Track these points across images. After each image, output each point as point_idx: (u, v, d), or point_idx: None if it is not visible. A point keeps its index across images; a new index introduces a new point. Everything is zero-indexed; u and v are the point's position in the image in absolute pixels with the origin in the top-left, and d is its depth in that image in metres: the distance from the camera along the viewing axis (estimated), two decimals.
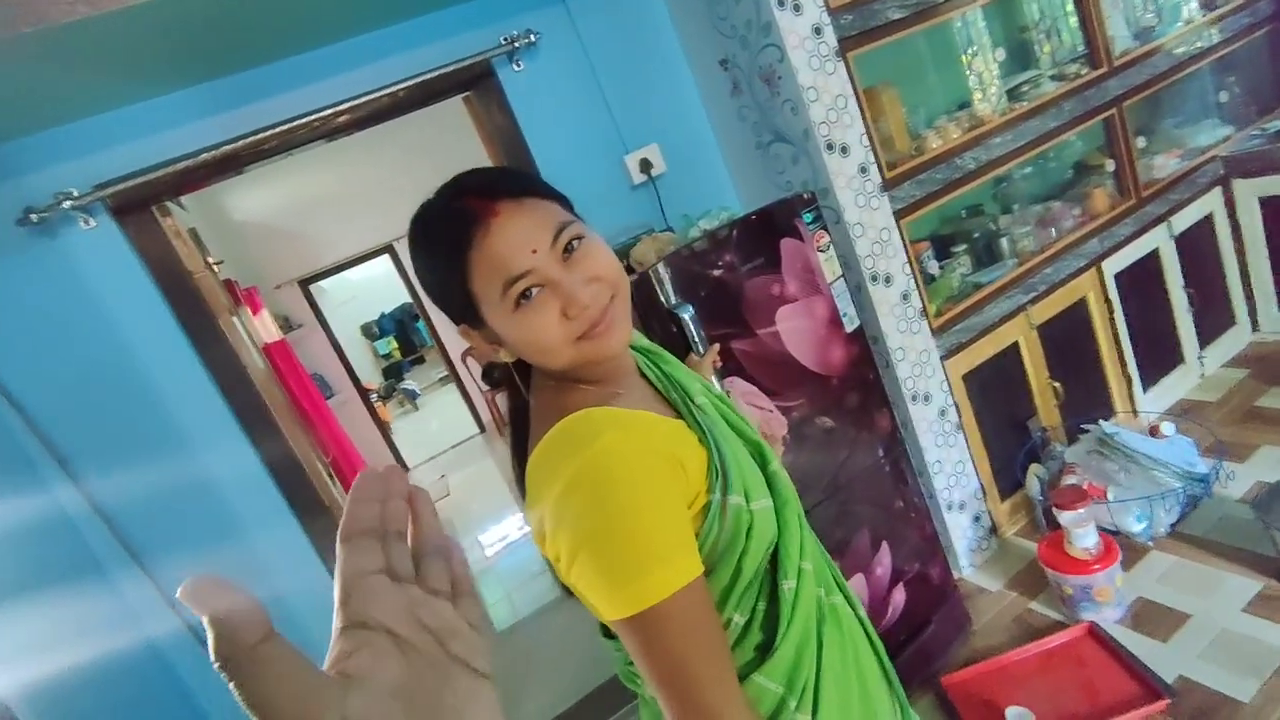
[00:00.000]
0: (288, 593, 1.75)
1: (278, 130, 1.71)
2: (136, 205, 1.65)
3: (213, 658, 0.22)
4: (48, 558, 1.50)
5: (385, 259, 5.59)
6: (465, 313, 0.69)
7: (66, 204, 1.52)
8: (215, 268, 2.59)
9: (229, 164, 1.72)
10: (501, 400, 0.83)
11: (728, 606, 0.70)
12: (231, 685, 0.22)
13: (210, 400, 1.71)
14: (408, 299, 7.30)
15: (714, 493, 0.67)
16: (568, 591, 0.74)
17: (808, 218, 1.67)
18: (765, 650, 0.70)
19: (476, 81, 1.94)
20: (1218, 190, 2.58)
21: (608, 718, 2.12)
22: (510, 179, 0.69)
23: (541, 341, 0.66)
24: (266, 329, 3.70)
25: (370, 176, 4.59)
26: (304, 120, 1.72)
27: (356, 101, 1.76)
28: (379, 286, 8.21)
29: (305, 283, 5.18)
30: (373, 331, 9.14)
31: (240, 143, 1.68)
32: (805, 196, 1.68)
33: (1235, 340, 2.70)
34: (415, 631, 0.28)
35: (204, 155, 1.65)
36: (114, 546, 1.60)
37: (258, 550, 1.75)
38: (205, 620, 0.22)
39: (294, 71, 1.74)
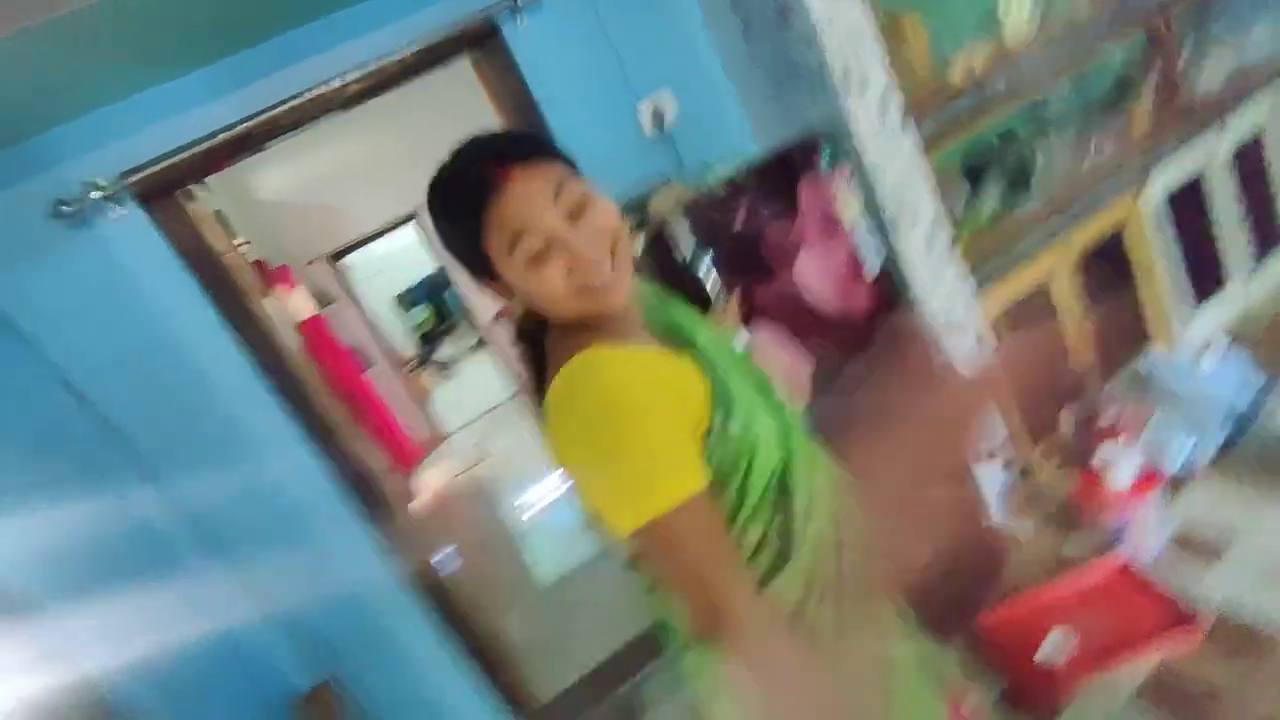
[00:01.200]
0: (323, 551, 1.86)
1: (291, 105, 1.71)
2: (161, 191, 1.68)
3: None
4: (108, 536, 1.57)
5: (410, 228, 5.63)
6: (483, 270, 0.74)
7: (94, 194, 1.56)
8: (242, 248, 2.65)
9: (247, 143, 1.73)
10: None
11: (739, 521, 0.74)
12: None
13: (245, 376, 1.77)
14: (436, 267, 7.37)
15: (716, 417, 0.72)
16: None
17: (826, 158, 1.62)
18: (784, 559, 0.76)
19: (482, 41, 1.90)
20: (1273, 102, 2.40)
21: (645, 665, 2.22)
22: (518, 142, 0.73)
23: (548, 294, 0.71)
24: (302, 305, 3.80)
25: (388, 147, 4.58)
26: (316, 93, 1.73)
27: (365, 70, 1.75)
28: (406, 257, 8.30)
29: (335, 257, 5.27)
30: (407, 301, 9.31)
31: (255, 120, 1.69)
32: (823, 136, 1.63)
33: None
34: None
35: (222, 136, 1.66)
36: (164, 513, 1.69)
37: (291, 509, 1.84)
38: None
39: (301, 43, 1.73)
